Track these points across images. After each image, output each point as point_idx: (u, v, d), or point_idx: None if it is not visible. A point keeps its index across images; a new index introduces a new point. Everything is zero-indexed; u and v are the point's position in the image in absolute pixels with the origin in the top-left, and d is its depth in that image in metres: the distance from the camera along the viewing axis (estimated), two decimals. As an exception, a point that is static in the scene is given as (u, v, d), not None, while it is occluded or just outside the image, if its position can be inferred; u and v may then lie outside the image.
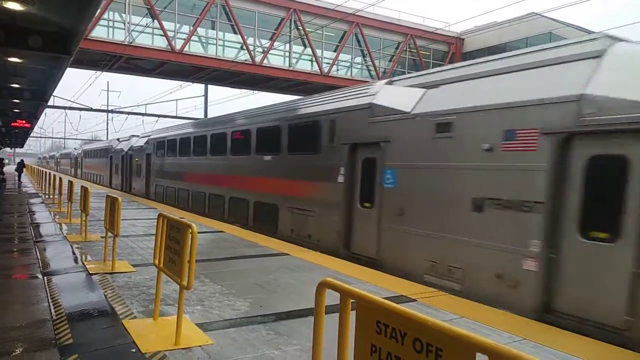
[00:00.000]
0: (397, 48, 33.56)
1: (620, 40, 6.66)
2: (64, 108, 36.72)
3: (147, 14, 25.33)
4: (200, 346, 4.53)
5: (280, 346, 4.61)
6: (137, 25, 24.74)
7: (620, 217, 5.67)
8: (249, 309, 5.75)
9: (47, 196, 22.34)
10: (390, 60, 33.72)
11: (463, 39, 35.71)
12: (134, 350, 4.42)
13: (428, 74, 9.26)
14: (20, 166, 40.12)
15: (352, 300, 2.61)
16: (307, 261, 8.70)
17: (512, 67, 7.37)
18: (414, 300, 6.34)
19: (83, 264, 8.02)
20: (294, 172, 12.07)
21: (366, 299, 2.41)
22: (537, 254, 6.38)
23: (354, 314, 2.57)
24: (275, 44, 28.94)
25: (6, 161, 16.58)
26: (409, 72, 34.25)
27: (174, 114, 38.07)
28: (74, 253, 8.99)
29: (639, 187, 5.53)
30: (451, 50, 35.58)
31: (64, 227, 12.35)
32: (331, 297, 2.74)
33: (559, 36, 28.46)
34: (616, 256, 5.67)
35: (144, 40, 25.41)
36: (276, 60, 29.39)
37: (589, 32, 26.43)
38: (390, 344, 2.23)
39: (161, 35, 25.71)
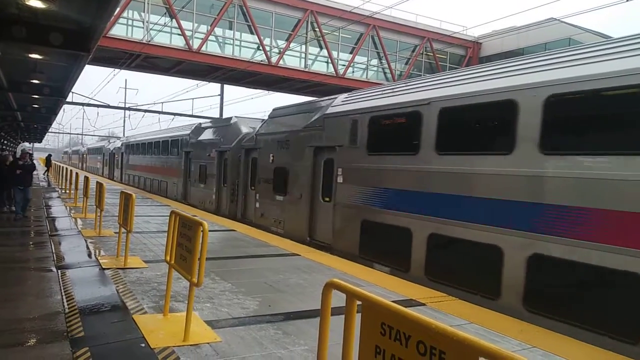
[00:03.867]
0: (413, 51, 33.44)
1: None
2: (82, 104, 37.13)
3: (165, 13, 25.59)
4: (208, 343, 4.57)
5: (288, 346, 4.64)
6: (155, 24, 24.99)
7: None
8: (258, 308, 5.79)
9: (63, 191, 22.68)
10: (406, 63, 33.62)
11: (481, 43, 35.46)
12: (143, 345, 4.48)
13: None
14: (49, 161, 40.89)
15: (359, 303, 2.62)
16: (317, 262, 8.72)
17: None
18: (423, 304, 6.32)
19: (96, 258, 8.15)
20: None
21: (371, 300, 2.42)
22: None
23: (360, 316, 2.58)
24: (292, 45, 29.03)
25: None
26: (425, 75, 34.13)
27: (189, 113, 38.36)
28: (87, 247, 9.13)
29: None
30: (468, 54, 35.35)
31: (79, 221, 12.54)
32: (340, 299, 2.76)
33: (578, 42, 28.12)
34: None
35: (162, 39, 25.67)
36: (292, 61, 29.48)
37: (608, 37, 26.07)
38: (394, 346, 2.23)
39: (179, 34, 25.94)
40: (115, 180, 37.67)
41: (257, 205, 14.83)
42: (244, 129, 17.44)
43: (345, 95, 11.69)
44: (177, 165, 23.51)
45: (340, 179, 10.68)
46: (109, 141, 52.00)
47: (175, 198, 22.78)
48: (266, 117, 17.27)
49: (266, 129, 14.94)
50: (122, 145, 38.94)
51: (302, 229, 11.98)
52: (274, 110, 15.06)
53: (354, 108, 10.63)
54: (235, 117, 18.74)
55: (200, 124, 22.93)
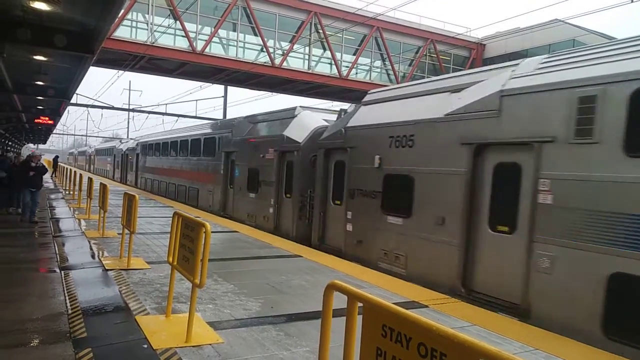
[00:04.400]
0: (417, 52, 33.42)
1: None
2: (87, 106, 37.34)
3: (169, 15, 25.66)
4: (210, 344, 4.58)
5: (290, 347, 4.64)
6: (159, 25, 25.06)
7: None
8: (260, 309, 5.79)
9: (67, 192, 22.77)
10: (410, 65, 33.60)
11: (484, 45, 35.41)
12: (145, 346, 4.49)
13: None
14: (56, 162, 40.73)
15: (360, 304, 2.62)
16: (320, 264, 8.72)
17: None
18: (426, 306, 6.31)
19: (99, 259, 8.17)
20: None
21: (372, 302, 2.42)
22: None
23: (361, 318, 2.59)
24: (295, 46, 29.05)
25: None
26: (428, 77, 34.11)
27: (193, 114, 38.48)
28: (91, 249, 9.16)
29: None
30: (472, 55, 35.31)
31: (83, 222, 12.58)
32: (342, 301, 2.76)
33: (583, 43, 28.02)
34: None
35: (165, 40, 25.72)
36: (295, 62, 29.49)
37: (612, 38, 25.97)
38: (395, 347, 2.23)
39: (183, 36, 25.99)
40: (129, 185, 34.29)
41: (350, 228, 10.39)
42: (315, 122, 13.52)
43: (541, 59, 7.48)
44: (214, 169, 19.36)
45: (546, 198, 6.47)
46: (120, 141, 47.51)
47: (209, 209, 18.75)
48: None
49: (363, 120, 10.50)
50: (137, 145, 34.52)
51: (447, 272, 7.74)
52: (371, 93, 11.13)
53: (590, 76, 6.21)
54: (300, 107, 14.63)
55: (246, 117, 18.29)
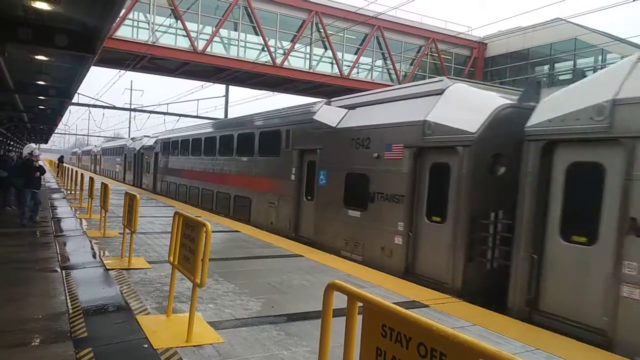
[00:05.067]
0: (418, 52, 33.39)
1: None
2: (88, 106, 37.39)
3: (170, 15, 25.67)
4: (211, 344, 4.58)
5: (290, 347, 4.63)
6: (160, 25, 25.08)
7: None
8: (261, 309, 5.79)
9: (69, 192, 22.80)
10: (411, 64, 33.57)
11: (486, 44, 35.35)
12: (146, 345, 4.49)
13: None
14: (61, 162, 40.78)
15: (360, 304, 2.62)
16: (321, 263, 8.72)
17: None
18: (427, 306, 6.30)
19: (101, 259, 8.18)
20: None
21: (372, 302, 2.42)
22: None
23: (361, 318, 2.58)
24: (296, 46, 29.06)
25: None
26: (430, 76, 34.11)
27: (194, 114, 38.48)
28: (92, 248, 9.17)
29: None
30: (473, 54, 35.25)
31: (84, 222, 12.59)
32: (343, 301, 2.75)
33: (584, 42, 27.98)
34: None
35: (167, 40, 25.74)
36: (297, 62, 29.49)
37: (615, 37, 25.94)
38: (395, 347, 2.23)
39: (184, 35, 26.01)
40: (144, 189, 29.59)
41: (636, 294, 5.35)
42: (491, 100, 8.32)
43: None
44: (278, 173, 14.32)
45: None
46: (132, 139, 41.41)
47: (270, 227, 14.11)
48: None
49: None
50: (156, 142, 29.36)
51: None
52: None
53: None
54: (449, 78, 9.47)
55: (333, 100, 13.03)
